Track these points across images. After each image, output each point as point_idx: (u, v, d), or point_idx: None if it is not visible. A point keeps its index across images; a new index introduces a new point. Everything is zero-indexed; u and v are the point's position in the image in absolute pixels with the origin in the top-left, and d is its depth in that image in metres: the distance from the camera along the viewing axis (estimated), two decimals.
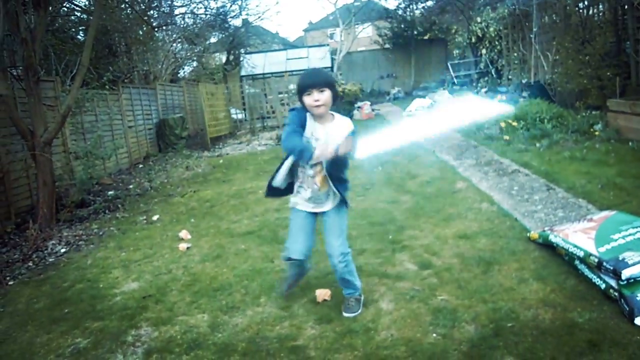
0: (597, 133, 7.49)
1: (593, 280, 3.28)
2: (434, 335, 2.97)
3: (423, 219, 5.12)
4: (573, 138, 7.52)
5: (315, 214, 3.30)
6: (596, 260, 3.24)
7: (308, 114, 3.08)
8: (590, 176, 5.62)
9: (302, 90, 3.01)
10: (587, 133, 7.65)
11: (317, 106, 2.99)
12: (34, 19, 6.63)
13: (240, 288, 3.97)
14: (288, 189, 3.32)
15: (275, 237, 5.16)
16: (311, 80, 3.00)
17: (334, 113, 3.19)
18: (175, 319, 3.57)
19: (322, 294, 3.60)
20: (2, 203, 6.40)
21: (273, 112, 16.46)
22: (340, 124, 3.16)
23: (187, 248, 5.12)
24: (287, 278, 3.68)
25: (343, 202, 3.27)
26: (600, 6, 9.78)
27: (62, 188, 7.21)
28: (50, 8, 7.72)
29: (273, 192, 3.30)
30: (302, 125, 3.04)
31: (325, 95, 2.99)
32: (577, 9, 9.97)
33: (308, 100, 2.99)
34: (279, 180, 3.19)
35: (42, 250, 5.56)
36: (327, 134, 3.07)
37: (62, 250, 5.58)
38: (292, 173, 3.24)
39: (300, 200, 3.27)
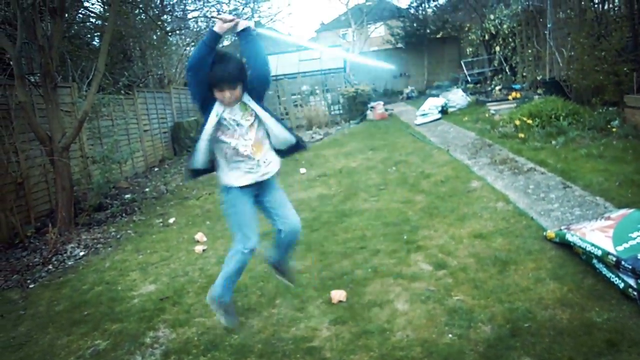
0: (614, 130, 7.37)
1: (611, 280, 3.24)
2: (450, 335, 2.97)
3: (437, 218, 5.10)
4: (590, 135, 7.41)
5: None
6: (614, 259, 3.20)
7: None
8: (607, 173, 5.53)
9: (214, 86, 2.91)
10: (604, 130, 7.53)
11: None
12: (50, 26, 6.75)
13: (255, 290, 4.00)
14: (209, 168, 3.17)
15: None
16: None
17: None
18: (192, 321, 3.61)
19: (337, 295, 3.61)
20: (22, 207, 6.53)
21: (286, 114, 16.51)
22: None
23: (203, 250, 5.17)
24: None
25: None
26: (616, 1, 9.63)
27: (80, 192, 7.34)
28: (66, 15, 7.85)
29: (195, 174, 3.21)
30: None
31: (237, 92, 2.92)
32: (592, 3, 9.83)
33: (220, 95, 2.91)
34: (199, 159, 3.07)
35: (61, 253, 5.66)
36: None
37: (81, 253, 5.68)
38: (212, 151, 3.08)
39: (238, 174, 3.07)
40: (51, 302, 4.37)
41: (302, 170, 8.70)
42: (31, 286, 4.87)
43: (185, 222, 6.51)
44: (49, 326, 3.88)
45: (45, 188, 7.11)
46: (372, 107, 15.45)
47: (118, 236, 6.18)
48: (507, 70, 17.62)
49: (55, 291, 4.64)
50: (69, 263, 5.44)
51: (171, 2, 15.81)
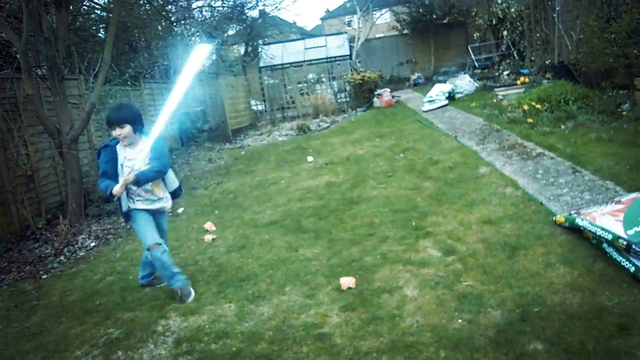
0: (624, 113, 7.27)
1: (622, 264, 3.22)
2: (460, 321, 2.97)
3: (446, 205, 5.09)
4: (599, 119, 7.32)
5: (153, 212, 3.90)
6: (625, 242, 3.18)
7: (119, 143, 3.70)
8: (617, 157, 5.48)
9: (108, 125, 3.66)
10: (614, 113, 7.44)
11: (122, 139, 3.65)
12: (55, 18, 6.75)
13: (265, 277, 4.03)
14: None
15: (298, 226, 5.20)
16: (112, 118, 3.63)
17: (143, 136, 3.79)
18: (203, 309, 3.65)
19: (347, 282, 3.63)
20: (32, 200, 6.59)
21: (293, 102, 16.46)
22: (143, 147, 3.70)
23: (212, 239, 5.20)
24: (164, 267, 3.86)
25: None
26: None
27: (90, 184, 7.38)
28: (71, 7, 7.84)
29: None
30: (114, 158, 3.68)
31: (126, 130, 3.62)
32: None
33: (114, 133, 3.63)
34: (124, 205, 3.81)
35: (72, 244, 5.72)
36: (138, 155, 3.68)
37: (92, 244, 5.74)
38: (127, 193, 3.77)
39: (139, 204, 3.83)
40: (64, 293, 4.43)
41: (310, 158, 8.70)
42: (44, 277, 4.93)
43: (194, 211, 6.54)
44: (62, 316, 3.93)
45: (55, 180, 7.16)
46: (378, 95, 15.35)
47: (128, 227, 6.21)
48: (515, 55, 17.42)
49: (68, 281, 4.70)
50: (81, 254, 5.50)
51: None
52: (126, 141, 3.68)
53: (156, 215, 3.95)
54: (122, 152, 3.73)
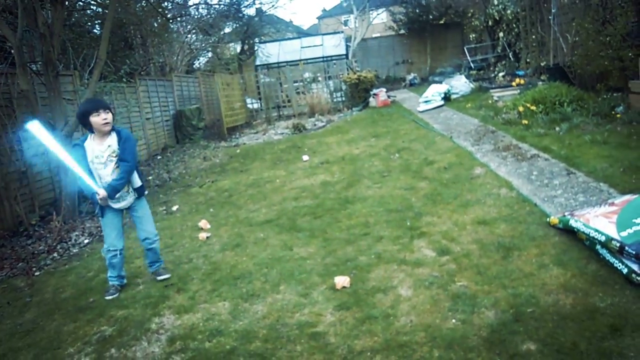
0: (618, 115, 7.32)
1: (615, 265, 3.24)
2: (454, 321, 2.98)
3: (441, 205, 5.10)
4: (594, 121, 7.36)
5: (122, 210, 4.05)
6: (618, 244, 3.20)
7: (88, 139, 3.81)
8: (611, 159, 5.51)
9: (96, 110, 3.71)
10: (608, 116, 7.48)
11: (106, 124, 3.75)
12: (51, 14, 6.71)
13: (260, 276, 4.02)
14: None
15: (293, 225, 5.20)
16: (102, 104, 3.81)
17: (114, 127, 3.90)
18: (197, 307, 3.64)
19: (341, 281, 3.63)
20: (25, 196, 6.55)
21: (289, 101, 16.44)
22: (112, 141, 3.84)
23: (207, 237, 5.19)
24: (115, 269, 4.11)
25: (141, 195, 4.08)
26: None
27: None
28: (67, 3, 7.79)
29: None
30: (85, 156, 3.77)
31: (110, 115, 3.78)
32: None
33: (102, 118, 3.71)
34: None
35: (66, 241, 5.70)
36: (106, 150, 3.80)
37: (86, 241, 5.71)
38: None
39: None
40: (57, 289, 4.41)
41: (305, 157, 8.70)
42: (37, 274, 4.91)
43: (188, 209, 6.52)
44: (55, 313, 3.91)
45: (49, 177, 7.11)
46: (374, 94, 15.35)
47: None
48: (511, 56, 17.51)
49: (61, 278, 4.67)
50: (74, 251, 5.47)
51: None
52: (108, 127, 3.80)
53: (126, 209, 4.07)
54: (90, 148, 3.81)
